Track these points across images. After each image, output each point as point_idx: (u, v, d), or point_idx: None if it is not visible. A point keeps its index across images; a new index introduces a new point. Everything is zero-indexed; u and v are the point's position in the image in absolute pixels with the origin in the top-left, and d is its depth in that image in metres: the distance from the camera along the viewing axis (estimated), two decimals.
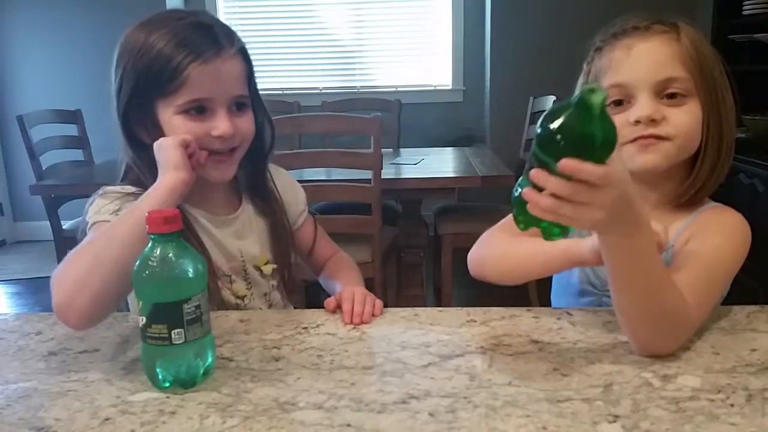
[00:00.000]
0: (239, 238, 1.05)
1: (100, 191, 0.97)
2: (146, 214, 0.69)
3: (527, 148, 2.87)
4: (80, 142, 3.06)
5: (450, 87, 4.17)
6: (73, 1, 3.95)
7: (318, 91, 4.10)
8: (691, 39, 0.89)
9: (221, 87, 0.95)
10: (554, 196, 0.62)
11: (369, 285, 2.24)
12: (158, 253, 0.68)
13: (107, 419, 0.65)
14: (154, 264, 0.68)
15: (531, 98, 2.93)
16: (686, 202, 0.91)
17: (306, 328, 0.87)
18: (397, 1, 4.11)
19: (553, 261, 0.85)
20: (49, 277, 0.80)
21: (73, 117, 3.06)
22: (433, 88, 4.18)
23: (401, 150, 3.15)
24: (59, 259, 2.62)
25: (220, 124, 0.94)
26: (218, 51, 0.93)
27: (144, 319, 0.69)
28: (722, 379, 0.69)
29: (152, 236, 0.69)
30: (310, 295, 2.61)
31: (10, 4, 4.00)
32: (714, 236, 0.86)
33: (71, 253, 0.83)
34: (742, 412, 0.62)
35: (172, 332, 0.68)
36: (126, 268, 0.72)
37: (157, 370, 0.70)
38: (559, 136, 0.61)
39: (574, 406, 0.64)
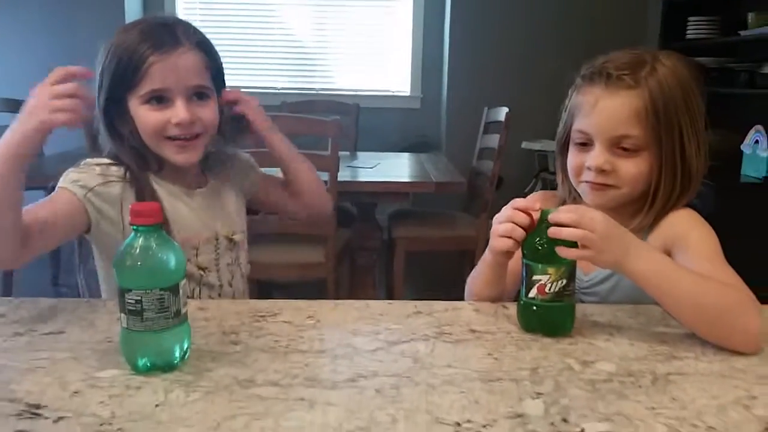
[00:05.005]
0: (211, 209, 1.15)
1: (82, 163, 1.07)
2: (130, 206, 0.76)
3: (480, 156, 2.98)
4: None
5: (408, 94, 4.26)
6: None
7: (276, 90, 4.13)
8: (657, 91, 0.95)
9: (178, 78, 1.04)
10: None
11: (322, 285, 2.32)
12: (140, 243, 0.74)
13: (77, 392, 0.70)
14: (135, 253, 0.73)
15: (485, 108, 3.04)
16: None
17: (263, 316, 0.93)
18: (359, 5, 4.19)
19: (484, 265, 1.01)
20: None
21: (20, 107, 3.01)
22: (391, 93, 4.27)
23: (358, 153, 3.20)
24: None
25: (179, 112, 1.04)
26: (175, 45, 1.03)
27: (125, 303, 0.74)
28: (634, 365, 0.78)
29: (135, 227, 0.74)
30: (263, 294, 2.65)
31: None
32: (691, 232, 0.97)
33: None
34: (647, 392, 0.72)
35: (151, 318, 0.73)
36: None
37: (136, 354, 0.75)
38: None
39: (503, 385, 0.72)
